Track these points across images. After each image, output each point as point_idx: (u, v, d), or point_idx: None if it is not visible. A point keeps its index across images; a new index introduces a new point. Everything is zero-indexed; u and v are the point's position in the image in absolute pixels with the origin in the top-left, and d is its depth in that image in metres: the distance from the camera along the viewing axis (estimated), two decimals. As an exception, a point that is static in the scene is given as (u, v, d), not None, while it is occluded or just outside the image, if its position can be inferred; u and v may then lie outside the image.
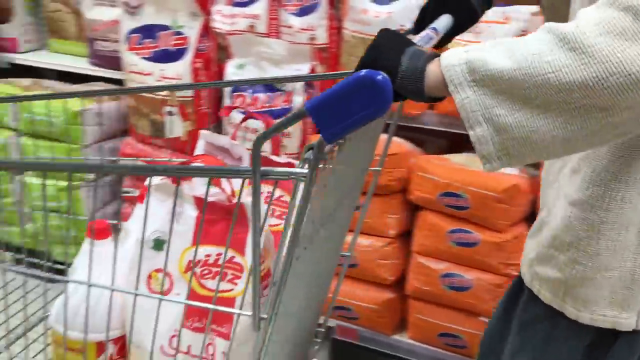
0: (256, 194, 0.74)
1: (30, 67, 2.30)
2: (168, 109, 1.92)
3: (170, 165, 1.46)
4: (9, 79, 2.21)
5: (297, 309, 0.96)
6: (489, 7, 0.98)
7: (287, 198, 1.11)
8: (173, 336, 0.99)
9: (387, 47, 0.76)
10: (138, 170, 1.33)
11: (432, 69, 0.72)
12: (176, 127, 1.93)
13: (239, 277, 0.95)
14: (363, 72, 0.66)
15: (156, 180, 0.97)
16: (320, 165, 0.71)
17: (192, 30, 1.86)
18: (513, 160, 0.71)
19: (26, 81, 2.21)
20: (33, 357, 1.16)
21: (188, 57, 1.87)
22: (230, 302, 0.95)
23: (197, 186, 0.97)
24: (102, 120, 1.98)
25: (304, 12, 1.78)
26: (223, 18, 1.84)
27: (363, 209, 1.16)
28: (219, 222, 0.94)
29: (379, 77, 0.66)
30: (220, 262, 0.93)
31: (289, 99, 1.77)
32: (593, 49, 0.63)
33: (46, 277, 1.01)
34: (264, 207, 0.78)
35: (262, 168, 0.72)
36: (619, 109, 0.65)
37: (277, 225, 1.07)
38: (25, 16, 2.32)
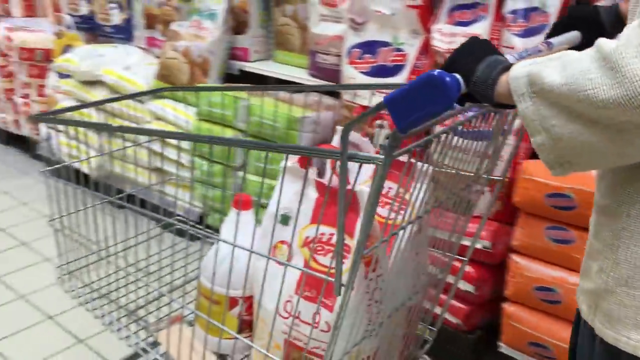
0: (343, 173, 0.85)
1: (257, 74, 2.54)
2: (379, 122, 1.98)
3: (263, 142, 1.80)
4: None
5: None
6: (621, 24, 0.91)
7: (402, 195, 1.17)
8: (287, 301, 1.11)
9: (468, 53, 0.84)
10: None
11: (503, 78, 0.78)
12: (382, 139, 2.00)
13: (345, 257, 1.03)
14: (435, 72, 0.75)
15: (289, 163, 1.09)
16: (395, 153, 0.81)
17: (411, 48, 1.91)
18: (573, 168, 0.76)
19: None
20: (187, 303, 1.42)
21: (405, 73, 1.92)
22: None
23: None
24: (317, 128, 2.12)
25: (529, 33, 1.73)
26: (443, 37, 1.86)
27: (483, 218, 1.28)
28: (336, 205, 0.99)
29: (447, 79, 0.75)
30: (332, 241, 1.01)
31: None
32: (626, 69, 0.65)
33: (204, 235, 1.21)
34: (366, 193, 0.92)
35: (349, 152, 0.83)
36: None
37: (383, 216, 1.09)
38: (258, 29, 2.56)
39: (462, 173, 1.17)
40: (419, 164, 1.04)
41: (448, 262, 1.31)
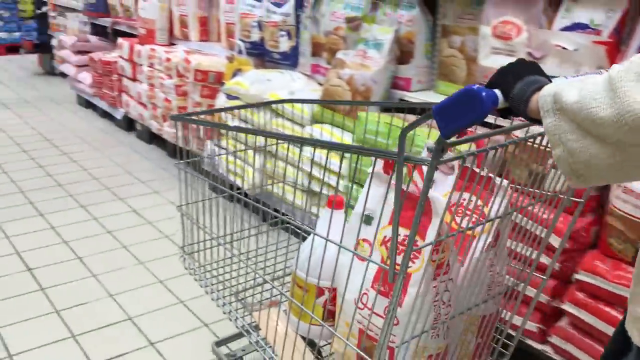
0: (399, 175, 0.98)
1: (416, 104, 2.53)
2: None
3: (334, 142, 2.02)
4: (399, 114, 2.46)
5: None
6: None
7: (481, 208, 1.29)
8: (364, 294, 1.24)
9: (510, 72, 0.94)
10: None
11: (535, 96, 0.88)
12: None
13: (417, 257, 1.17)
14: (474, 86, 0.89)
15: (375, 169, 1.23)
16: (442, 157, 0.94)
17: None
18: (586, 180, 0.82)
19: (412, 117, 2.44)
20: (286, 290, 1.68)
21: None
22: (407, 277, 1.16)
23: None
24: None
25: None
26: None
27: (563, 239, 1.39)
28: (411, 209, 1.11)
29: (483, 93, 0.88)
30: (406, 242, 1.09)
31: None
32: (621, 90, 0.72)
33: (304, 230, 1.42)
34: (442, 200, 1.13)
35: (405, 154, 0.97)
36: None
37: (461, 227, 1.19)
38: (422, 59, 2.56)
39: (543, 192, 1.27)
40: (498, 179, 1.21)
41: (526, 277, 1.39)
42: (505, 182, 1.19)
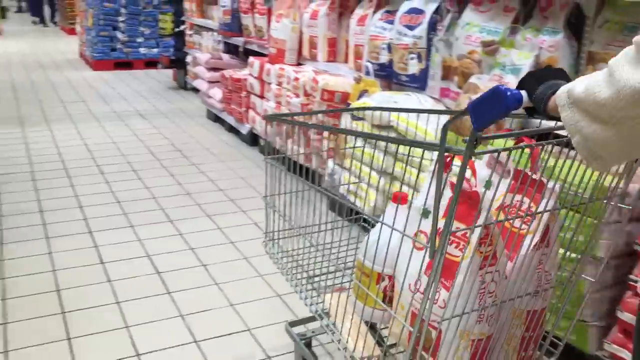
0: (440, 162, 1.13)
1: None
2: None
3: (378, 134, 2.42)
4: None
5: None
6: None
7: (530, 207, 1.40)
8: (417, 280, 1.39)
9: (535, 77, 1.11)
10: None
11: (553, 96, 1.02)
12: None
13: (464, 247, 1.30)
14: (502, 86, 1.02)
15: (436, 167, 1.33)
16: (474, 148, 1.08)
17: None
18: (605, 161, 0.94)
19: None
20: (351, 281, 1.83)
21: None
22: (455, 264, 1.30)
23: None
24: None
25: None
26: None
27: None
28: (463, 203, 1.29)
29: (508, 92, 1.02)
30: (457, 234, 1.31)
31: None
32: (617, 73, 0.85)
33: (372, 222, 1.66)
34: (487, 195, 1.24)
35: (446, 145, 1.13)
36: None
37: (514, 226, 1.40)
38: (563, 87, 2.43)
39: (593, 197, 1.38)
40: (550, 183, 1.35)
41: (572, 279, 1.51)
42: (551, 182, 1.36)
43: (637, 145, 0.89)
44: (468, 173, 1.41)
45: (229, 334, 2.40)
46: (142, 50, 9.32)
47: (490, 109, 1.06)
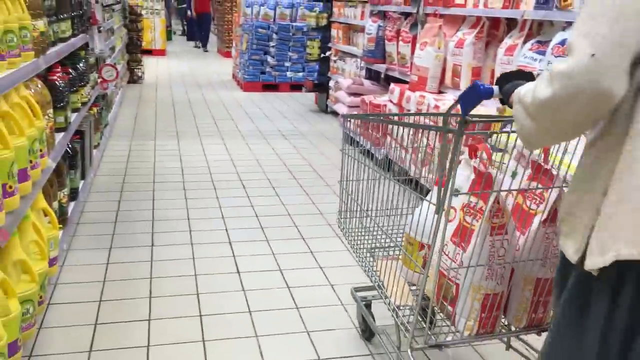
0: (444, 142, 1.66)
1: None
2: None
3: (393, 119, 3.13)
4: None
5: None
6: None
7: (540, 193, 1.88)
8: (446, 244, 1.82)
9: (507, 76, 1.55)
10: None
11: (513, 93, 1.38)
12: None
13: (479, 218, 1.78)
14: (479, 82, 1.57)
15: (465, 155, 1.87)
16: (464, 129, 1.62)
17: None
18: (532, 145, 1.34)
19: None
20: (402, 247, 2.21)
21: None
22: (471, 232, 1.78)
23: (473, 161, 1.86)
24: None
25: None
26: None
27: None
28: (479, 182, 1.75)
29: (481, 87, 1.55)
30: (474, 206, 1.79)
31: None
32: (537, 86, 1.22)
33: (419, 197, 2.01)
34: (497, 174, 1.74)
35: (449, 128, 1.70)
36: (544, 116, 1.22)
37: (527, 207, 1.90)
38: None
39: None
40: (556, 171, 1.82)
41: None
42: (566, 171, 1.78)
43: (550, 135, 1.25)
44: (484, 157, 1.85)
45: (351, 356, 2.41)
46: (288, 74, 9.79)
47: (470, 98, 1.59)
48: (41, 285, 2.24)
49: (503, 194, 1.76)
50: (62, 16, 3.51)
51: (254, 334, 2.56)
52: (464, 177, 1.81)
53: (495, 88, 1.53)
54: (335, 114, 7.39)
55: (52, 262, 2.53)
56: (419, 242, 1.99)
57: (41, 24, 2.79)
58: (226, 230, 3.73)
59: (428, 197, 1.89)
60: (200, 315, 2.69)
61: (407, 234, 2.08)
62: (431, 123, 4.03)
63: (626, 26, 1.08)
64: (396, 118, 3.64)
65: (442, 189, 1.68)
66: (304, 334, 2.57)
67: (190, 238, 3.58)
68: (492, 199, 1.71)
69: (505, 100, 1.48)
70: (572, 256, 1.25)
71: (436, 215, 1.74)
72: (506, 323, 1.96)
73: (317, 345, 2.48)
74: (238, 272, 3.15)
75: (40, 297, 2.25)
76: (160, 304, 2.78)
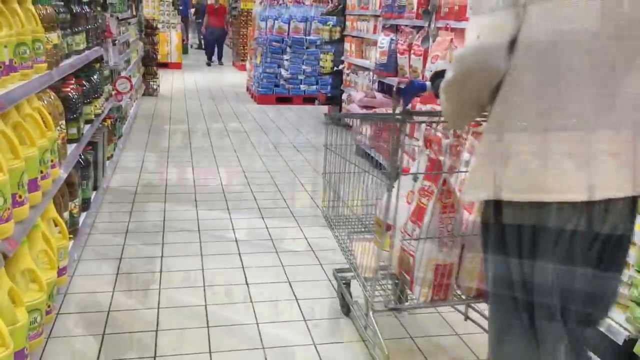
0: (393, 130, 2.13)
1: None
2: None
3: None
4: None
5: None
6: None
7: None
8: (405, 223, 2.19)
9: (438, 74, 1.79)
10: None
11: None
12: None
13: (430, 197, 2.13)
14: (414, 79, 2.51)
15: (420, 143, 2.25)
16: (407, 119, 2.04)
17: None
18: (452, 124, 1.93)
19: None
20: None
21: None
22: (424, 209, 2.14)
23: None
24: None
25: None
26: None
27: None
28: (431, 167, 2.15)
29: (415, 83, 2.06)
30: (426, 189, 2.13)
31: None
32: (449, 74, 1.57)
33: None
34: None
35: (400, 117, 2.05)
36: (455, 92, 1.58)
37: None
38: None
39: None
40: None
41: None
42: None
43: (462, 112, 1.61)
44: (435, 146, 2.13)
45: (359, 370, 2.40)
46: (302, 87, 9.83)
47: (407, 92, 2.05)
48: (49, 294, 2.25)
49: (452, 178, 2.14)
50: (76, 29, 3.57)
51: (261, 345, 2.55)
52: (422, 163, 2.18)
53: (428, 83, 1.92)
54: (347, 126, 7.39)
55: (61, 271, 2.55)
56: (385, 222, 2.24)
57: (55, 36, 2.84)
58: (236, 241, 3.74)
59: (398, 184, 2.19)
60: (208, 327, 2.69)
61: (377, 217, 2.38)
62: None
63: (501, 14, 1.40)
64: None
65: (392, 170, 2.05)
66: (311, 346, 2.56)
67: (201, 249, 3.59)
68: (440, 181, 2.06)
69: (436, 94, 1.76)
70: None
71: (394, 197, 2.10)
72: (460, 293, 2.27)
73: (323, 357, 2.47)
74: (247, 283, 3.15)
75: (49, 307, 2.26)
76: (168, 315, 2.79)
